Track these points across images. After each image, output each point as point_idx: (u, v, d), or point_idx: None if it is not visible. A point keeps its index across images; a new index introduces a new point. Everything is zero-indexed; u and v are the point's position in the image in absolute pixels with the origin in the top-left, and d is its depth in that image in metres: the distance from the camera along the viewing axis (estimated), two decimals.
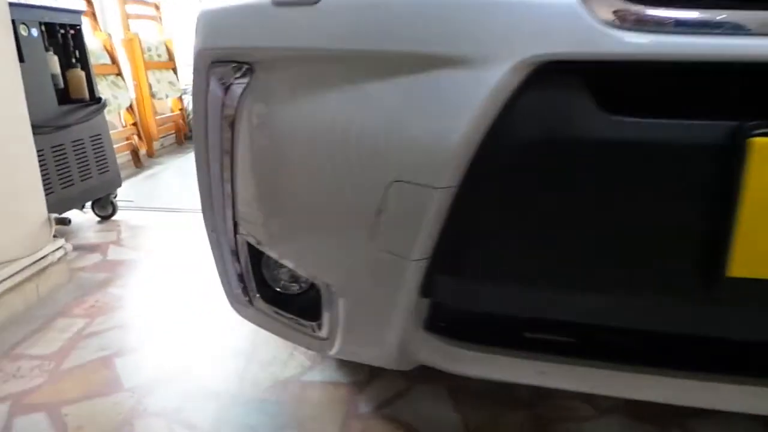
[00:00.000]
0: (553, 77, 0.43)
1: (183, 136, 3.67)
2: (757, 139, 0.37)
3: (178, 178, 2.87)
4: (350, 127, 0.51)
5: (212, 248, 0.78)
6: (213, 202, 0.71)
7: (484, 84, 0.43)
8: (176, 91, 3.55)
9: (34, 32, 1.72)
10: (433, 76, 0.45)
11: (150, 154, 3.22)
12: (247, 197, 0.67)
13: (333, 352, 0.66)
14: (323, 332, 0.64)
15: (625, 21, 0.40)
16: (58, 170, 1.80)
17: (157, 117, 3.32)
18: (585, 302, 0.50)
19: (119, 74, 2.89)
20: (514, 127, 0.44)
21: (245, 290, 0.75)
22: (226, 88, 0.63)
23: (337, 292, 0.59)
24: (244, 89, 0.62)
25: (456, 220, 0.47)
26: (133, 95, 3.12)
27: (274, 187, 0.62)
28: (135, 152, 2.99)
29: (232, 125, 0.65)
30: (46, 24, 1.80)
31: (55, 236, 1.56)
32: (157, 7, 3.53)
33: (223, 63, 0.63)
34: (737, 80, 0.43)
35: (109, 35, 2.87)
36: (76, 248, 1.80)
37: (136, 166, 3.01)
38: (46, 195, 1.55)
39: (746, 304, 0.45)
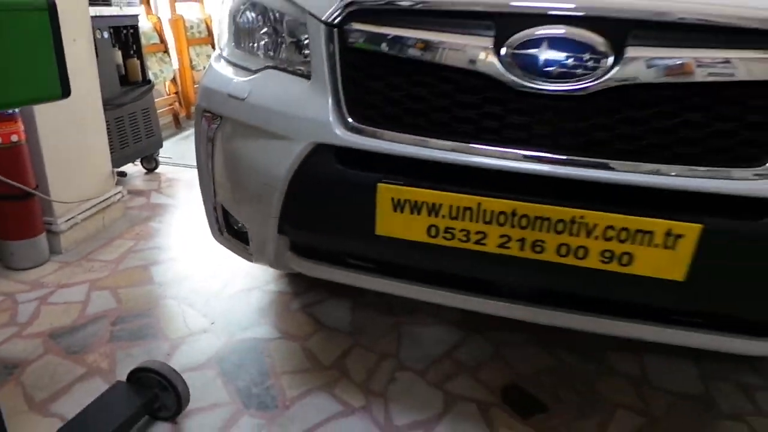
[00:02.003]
0: (322, 148, 1.03)
1: None
2: (380, 184, 0.96)
3: None
4: (253, 155, 1.13)
5: (204, 206, 1.42)
6: (204, 181, 1.35)
7: (297, 148, 1.03)
8: None
9: (105, 34, 2.38)
10: (282, 142, 1.06)
11: (188, 117, 3.90)
12: (219, 180, 1.30)
13: (253, 261, 1.31)
14: (249, 250, 1.28)
15: (345, 129, 1.00)
16: (119, 135, 2.48)
17: (196, 86, 3.99)
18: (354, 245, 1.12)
19: (166, 51, 3.54)
20: (305, 166, 1.04)
21: (219, 228, 1.39)
22: (209, 125, 1.26)
23: (251, 231, 1.23)
24: (217, 127, 1.24)
25: (285, 202, 1.08)
26: (176, 67, 3.77)
27: (228, 175, 1.25)
28: (176, 116, 3.68)
29: (212, 142, 1.27)
30: (114, 27, 2.45)
31: (116, 184, 2.25)
32: None
33: (207, 113, 1.26)
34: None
35: (159, 19, 3.51)
36: (129, 192, 2.50)
37: (176, 128, 3.70)
38: (111, 153, 2.24)
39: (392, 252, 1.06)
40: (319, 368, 1.43)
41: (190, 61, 3.85)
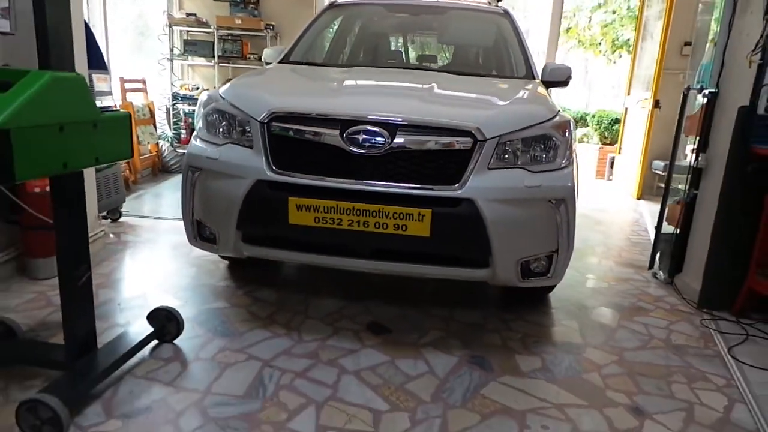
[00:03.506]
0: (260, 182, 2.03)
1: (157, 169, 5.20)
2: (290, 197, 1.98)
3: (154, 197, 4.42)
4: (222, 187, 2.11)
5: (184, 222, 2.35)
6: (186, 207, 2.30)
7: (247, 182, 2.02)
8: (154, 139, 5.10)
9: None
10: (239, 179, 2.05)
11: (135, 182, 4.74)
12: (197, 205, 2.26)
13: (219, 252, 2.27)
14: (216, 246, 2.24)
15: (271, 172, 2.04)
16: (98, 191, 3.33)
17: (141, 156, 4.86)
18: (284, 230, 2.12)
19: None
20: (251, 191, 2.02)
21: (194, 236, 2.32)
22: (192, 174, 2.24)
23: (218, 231, 2.19)
24: (197, 175, 2.23)
25: (241, 210, 2.05)
26: None
27: (205, 201, 2.21)
28: (126, 181, 4.51)
29: (193, 184, 2.25)
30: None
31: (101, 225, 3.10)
32: (143, 82, 5.11)
33: (192, 167, 2.24)
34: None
35: (115, 105, 4.42)
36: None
37: (127, 191, 4.52)
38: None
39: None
40: (257, 319, 2.36)
41: (137, 137, 4.74)
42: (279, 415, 1.72)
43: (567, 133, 2.15)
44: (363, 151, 1.99)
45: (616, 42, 11.37)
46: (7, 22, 2.25)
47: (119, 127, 1.78)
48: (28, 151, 1.35)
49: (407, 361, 2.09)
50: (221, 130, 2.25)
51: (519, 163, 2.07)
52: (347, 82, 2.39)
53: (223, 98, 2.28)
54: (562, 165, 2.11)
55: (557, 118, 2.16)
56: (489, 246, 2.00)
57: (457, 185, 1.99)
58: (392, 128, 1.99)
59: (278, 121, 2.08)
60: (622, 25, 11.17)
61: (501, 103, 2.27)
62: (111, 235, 3.35)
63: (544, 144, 2.10)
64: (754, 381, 2.08)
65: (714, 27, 2.95)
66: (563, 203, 2.05)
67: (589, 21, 11.83)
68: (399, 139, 1.98)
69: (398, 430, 1.69)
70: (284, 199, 2.02)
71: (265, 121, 2.08)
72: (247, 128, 2.15)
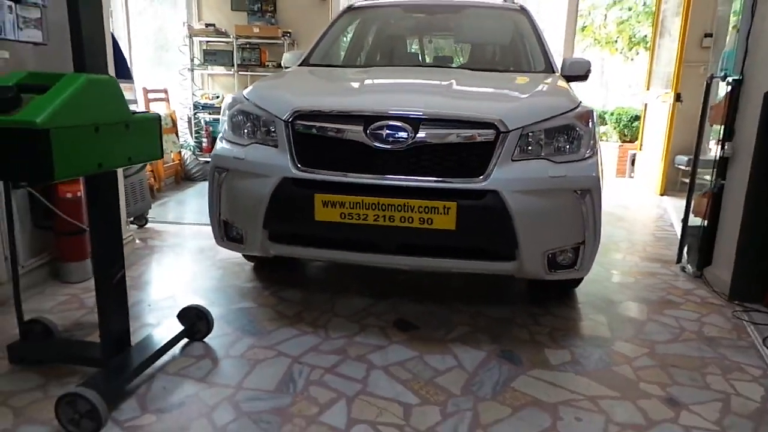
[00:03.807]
0: (286, 179, 2.06)
1: (180, 177, 5.29)
2: (316, 194, 2.00)
3: (178, 204, 4.49)
4: (249, 186, 2.14)
5: (211, 224, 2.39)
6: (213, 208, 2.34)
7: (273, 180, 2.05)
8: (177, 147, 5.20)
9: None
10: (265, 178, 2.08)
11: (159, 190, 4.82)
12: (223, 205, 2.29)
13: (245, 251, 2.30)
14: (242, 246, 2.26)
15: (296, 170, 2.06)
16: (125, 197, 3.41)
17: (165, 165, 4.95)
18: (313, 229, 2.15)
19: None
20: (278, 188, 2.04)
21: (221, 236, 2.36)
22: (219, 175, 2.27)
23: (245, 230, 2.22)
24: (224, 175, 2.26)
25: (268, 208, 2.07)
26: None
27: (232, 200, 2.25)
28: (151, 188, 4.59)
29: (220, 184, 2.28)
30: None
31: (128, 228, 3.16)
32: (165, 92, 5.21)
33: (218, 168, 2.28)
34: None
35: None
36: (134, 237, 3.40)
37: (152, 198, 4.60)
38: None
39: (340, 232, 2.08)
40: (284, 318, 2.39)
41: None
42: (310, 409, 1.73)
43: (590, 124, 2.14)
44: (387, 146, 2.00)
45: (632, 39, 11.26)
46: (40, 32, 2.32)
47: (150, 128, 1.82)
48: (66, 151, 1.39)
49: (435, 357, 2.09)
50: (246, 130, 2.28)
51: (543, 154, 2.06)
52: (368, 81, 2.42)
53: (248, 99, 2.31)
54: (586, 155, 2.10)
55: (579, 109, 2.15)
56: (515, 238, 2.00)
57: (481, 177, 1.99)
58: (415, 122, 2.01)
59: (302, 119, 2.11)
60: (639, 22, 11.06)
61: (523, 95, 2.27)
62: (138, 241, 3.41)
63: (568, 134, 2.09)
64: None
65: (736, 14, 2.91)
66: (588, 194, 2.04)
67: (605, 18, 11.75)
68: (422, 134, 2.00)
69: (430, 423, 1.69)
70: (310, 195, 2.04)
71: (289, 119, 2.11)
72: (272, 128, 2.19)
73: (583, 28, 11.72)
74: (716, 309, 2.62)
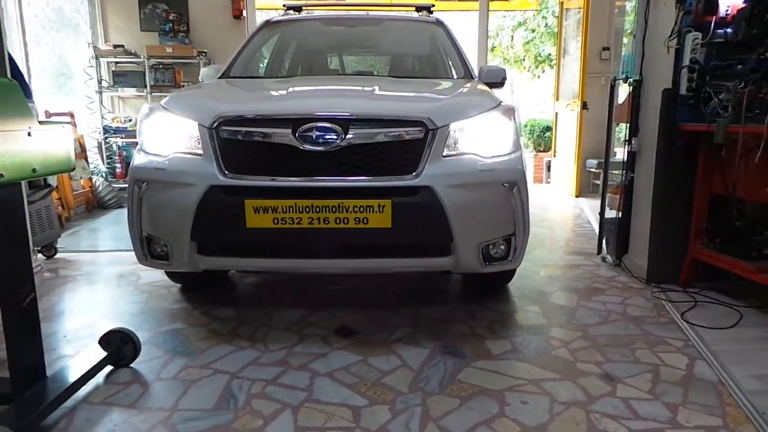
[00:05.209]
0: (213, 187, 1.97)
1: (92, 205, 4.94)
2: (246, 200, 1.93)
3: (91, 232, 4.18)
4: (173, 197, 2.02)
5: (132, 241, 2.23)
6: (134, 223, 2.19)
7: (200, 189, 1.96)
8: (87, 174, 4.86)
9: None
10: (191, 187, 1.98)
11: (68, 218, 4.47)
12: (145, 219, 2.15)
13: (172, 268, 2.16)
14: (169, 262, 2.13)
15: (223, 176, 1.98)
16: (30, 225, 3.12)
17: (74, 192, 4.61)
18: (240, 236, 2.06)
19: None
20: (205, 197, 1.96)
21: (144, 254, 2.21)
22: (139, 188, 2.14)
23: (171, 244, 2.09)
24: (144, 189, 2.13)
25: (195, 218, 1.97)
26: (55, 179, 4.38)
27: (154, 213, 2.12)
28: (59, 217, 4.24)
29: (140, 197, 2.15)
30: None
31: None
32: (72, 115, 4.88)
33: (137, 181, 2.14)
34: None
35: None
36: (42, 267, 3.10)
37: (60, 227, 4.25)
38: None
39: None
40: (218, 336, 2.26)
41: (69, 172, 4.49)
42: (254, 422, 1.63)
43: (512, 120, 2.23)
44: (317, 148, 1.98)
45: (538, 57, 12.01)
46: None
47: (57, 138, 1.69)
48: None
49: (380, 358, 2.05)
50: (166, 140, 2.17)
51: (471, 150, 2.11)
52: (293, 88, 2.39)
53: (166, 108, 2.21)
54: (511, 150, 2.18)
55: (502, 106, 2.23)
56: (450, 231, 2.02)
57: (414, 174, 2.01)
58: (344, 123, 2.00)
59: (227, 124, 2.03)
60: (542, 42, 11.83)
61: (447, 96, 2.33)
62: (47, 273, 3.13)
63: (493, 130, 2.16)
64: (709, 339, 2.19)
65: (631, 22, 3.18)
66: (516, 186, 2.11)
67: (512, 39, 12.47)
68: (351, 134, 1.99)
69: (380, 422, 1.64)
70: (240, 202, 1.96)
71: (213, 126, 2.03)
72: (195, 135, 2.09)
73: (492, 49, 12.36)
74: (637, 292, 2.79)
